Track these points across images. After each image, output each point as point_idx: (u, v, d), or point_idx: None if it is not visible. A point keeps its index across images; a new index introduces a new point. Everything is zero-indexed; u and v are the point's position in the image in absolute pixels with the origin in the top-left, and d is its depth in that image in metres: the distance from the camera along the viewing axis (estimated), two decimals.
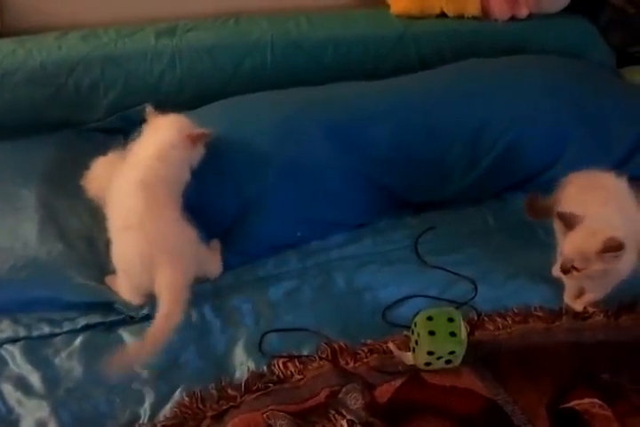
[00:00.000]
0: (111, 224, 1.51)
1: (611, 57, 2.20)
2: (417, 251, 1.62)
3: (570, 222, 1.34)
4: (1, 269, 1.52)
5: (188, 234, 1.50)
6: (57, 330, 1.46)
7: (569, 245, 1.33)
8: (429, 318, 1.28)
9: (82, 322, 1.47)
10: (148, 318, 1.47)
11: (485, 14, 2.16)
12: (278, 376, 1.30)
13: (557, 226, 1.39)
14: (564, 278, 1.42)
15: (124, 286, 1.50)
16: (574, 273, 1.34)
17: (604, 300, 1.42)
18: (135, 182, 1.49)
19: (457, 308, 1.40)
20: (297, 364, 1.32)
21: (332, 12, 2.22)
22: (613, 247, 1.29)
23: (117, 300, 1.50)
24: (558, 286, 1.48)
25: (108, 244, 1.63)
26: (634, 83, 2.15)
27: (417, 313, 1.31)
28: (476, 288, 1.50)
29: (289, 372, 1.30)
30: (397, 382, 1.26)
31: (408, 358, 1.30)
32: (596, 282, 1.39)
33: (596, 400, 1.22)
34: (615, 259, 1.30)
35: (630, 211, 1.42)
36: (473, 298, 1.48)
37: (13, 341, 1.44)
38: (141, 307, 1.49)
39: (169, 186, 1.54)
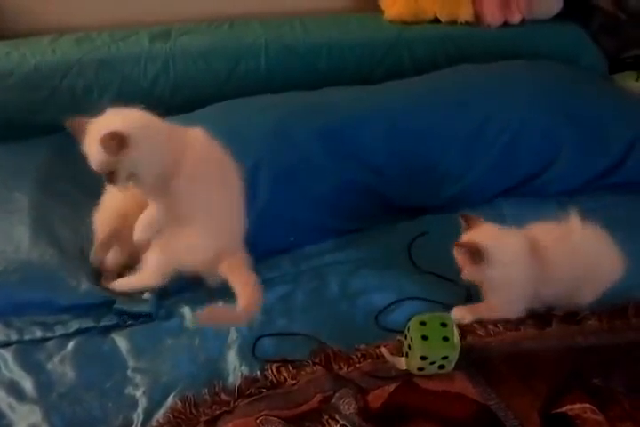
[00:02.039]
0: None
1: (603, 63, 2.22)
2: (410, 256, 1.62)
3: (468, 224, 1.43)
4: None
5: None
6: (49, 334, 1.45)
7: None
8: (422, 323, 1.28)
9: (74, 326, 1.46)
10: (145, 320, 1.47)
11: (478, 20, 2.17)
12: (271, 381, 1.29)
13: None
14: None
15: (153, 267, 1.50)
16: (464, 272, 1.41)
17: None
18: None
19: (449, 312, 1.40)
20: (290, 369, 1.31)
21: (327, 17, 2.23)
22: (468, 250, 1.37)
23: (115, 299, 1.50)
24: None
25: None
26: (626, 88, 2.16)
27: (410, 318, 1.31)
28: (469, 293, 1.50)
29: (282, 377, 1.30)
30: (390, 387, 1.26)
31: (401, 362, 1.30)
32: (487, 290, 1.44)
33: (587, 405, 1.22)
34: (477, 264, 1.37)
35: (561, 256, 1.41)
36: (467, 301, 1.48)
37: (5, 345, 1.43)
38: (144, 303, 1.49)
39: None
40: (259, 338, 1.41)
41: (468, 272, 1.41)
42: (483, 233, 1.41)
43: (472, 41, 2.15)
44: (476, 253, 1.36)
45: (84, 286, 1.52)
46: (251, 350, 1.38)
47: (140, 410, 1.29)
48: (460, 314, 1.42)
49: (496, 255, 1.37)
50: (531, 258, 1.39)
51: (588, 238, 1.42)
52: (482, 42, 2.15)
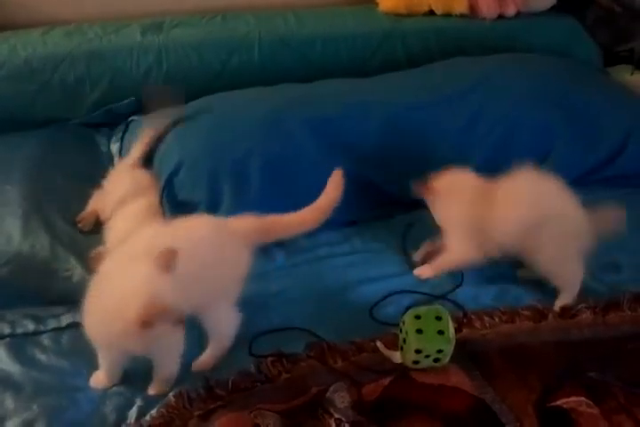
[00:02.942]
0: None
1: (598, 56, 2.22)
2: (405, 248, 1.62)
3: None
4: None
5: None
6: (42, 327, 1.44)
7: None
8: (417, 317, 1.27)
9: (67, 320, 1.44)
10: None
11: (473, 12, 2.17)
12: (266, 375, 1.28)
13: None
14: None
15: None
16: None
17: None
18: None
19: (435, 297, 1.44)
20: (285, 363, 1.31)
21: (320, 9, 2.22)
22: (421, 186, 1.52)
23: None
24: (545, 285, 1.49)
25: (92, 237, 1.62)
26: (620, 81, 2.16)
27: (405, 311, 1.31)
28: (462, 280, 1.52)
29: (277, 371, 1.29)
30: (385, 381, 1.25)
31: (396, 356, 1.30)
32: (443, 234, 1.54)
33: (582, 399, 1.22)
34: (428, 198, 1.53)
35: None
36: (455, 288, 1.50)
37: None
38: None
39: None
40: (255, 337, 1.39)
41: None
42: (442, 176, 1.53)
43: (467, 34, 2.14)
44: (426, 188, 1.51)
45: (77, 277, 1.50)
46: (245, 345, 1.37)
47: (135, 405, 1.28)
48: (420, 271, 1.54)
49: (442, 191, 1.50)
50: (478, 197, 1.49)
51: (531, 182, 1.48)
52: (477, 35, 2.14)
